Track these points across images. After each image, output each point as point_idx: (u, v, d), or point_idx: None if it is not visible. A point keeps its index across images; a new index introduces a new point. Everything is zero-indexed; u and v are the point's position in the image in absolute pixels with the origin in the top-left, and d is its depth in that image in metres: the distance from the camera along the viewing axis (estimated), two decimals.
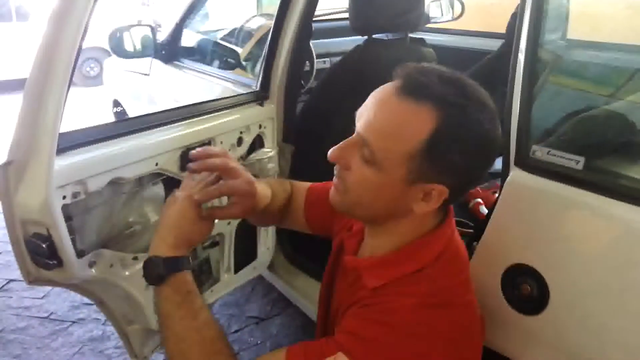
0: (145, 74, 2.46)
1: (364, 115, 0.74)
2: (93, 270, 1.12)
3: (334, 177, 0.81)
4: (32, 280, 1.07)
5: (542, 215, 0.92)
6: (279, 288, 1.99)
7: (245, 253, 1.74)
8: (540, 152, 0.93)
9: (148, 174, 1.22)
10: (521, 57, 0.98)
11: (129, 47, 2.19)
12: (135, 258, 1.23)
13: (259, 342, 2.13)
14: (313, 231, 1.13)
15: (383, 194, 0.74)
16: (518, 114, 0.95)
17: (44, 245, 0.98)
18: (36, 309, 2.27)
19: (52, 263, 1.01)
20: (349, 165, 0.76)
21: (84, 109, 5.21)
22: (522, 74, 0.96)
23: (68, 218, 1.03)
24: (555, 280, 0.91)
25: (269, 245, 1.83)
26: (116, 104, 3.02)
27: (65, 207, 1.01)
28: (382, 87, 0.75)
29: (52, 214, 0.96)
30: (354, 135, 0.76)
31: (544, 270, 0.91)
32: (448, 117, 0.68)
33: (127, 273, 1.22)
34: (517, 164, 0.95)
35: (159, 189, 1.28)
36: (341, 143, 0.77)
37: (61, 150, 0.99)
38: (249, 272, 1.76)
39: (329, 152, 0.77)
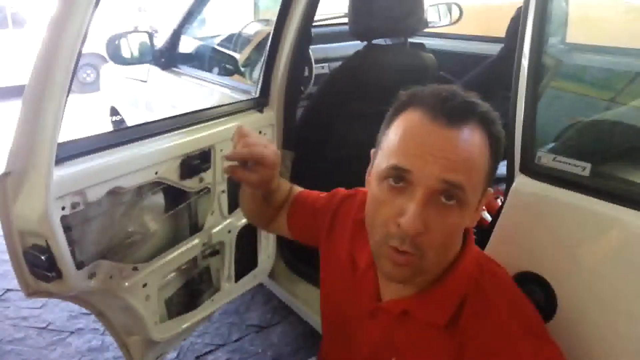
0: (143, 81, 2.45)
1: (430, 167, 0.64)
2: (92, 281, 1.10)
3: (401, 249, 0.67)
4: (32, 293, 1.06)
5: (548, 222, 0.91)
6: (279, 296, 1.98)
7: (245, 261, 1.72)
8: (545, 158, 0.92)
9: (147, 183, 1.20)
10: (524, 62, 0.97)
11: (126, 53, 2.18)
12: (135, 269, 1.22)
13: (259, 350, 2.10)
14: (294, 238, 1.11)
15: (462, 229, 0.72)
16: (522, 119, 0.94)
17: (42, 257, 0.97)
18: (34, 319, 2.25)
19: (51, 275, 0.99)
20: (428, 227, 0.66)
21: (81, 115, 5.21)
22: (526, 79, 0.95)
23: (67, 229, 1.02)
24: (563, 287, 0.90)
25: (269, 253, 1.82)
26: (113, 111, 3.00)
27: (64, 218, 1.00)
28: (420, 133, 0.66)
29: (51, 225, 0.94)
30: (419, 190, 0.65)
31: (551, 277, 0.90)
32: (488, 126, 0.68)
33: (127, 284, 1.21)
34: (522, 170, 0.94)
35: (158, 198, 1.27)
36: (414, 210, 0.64)
37: (60, 160, 0.97)
38: (249, 281, 1.75)
39: (404, 227, 0.64)
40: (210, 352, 2.09)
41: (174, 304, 1.49)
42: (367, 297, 0.85)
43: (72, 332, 2.17)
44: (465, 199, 0.66)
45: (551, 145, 0.97)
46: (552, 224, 0.90)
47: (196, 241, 1.43)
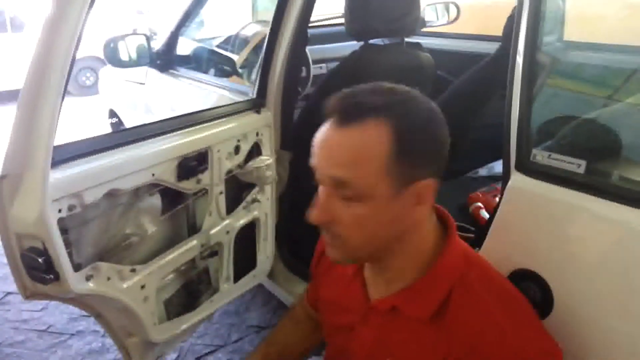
0: (141, 83, 2.45)
1: (321, 163, 0.73)
2: (90, 283, 1.10)
3: (325, 237, 0.78)
4: (29, 295, 1.06)
5: (544, 220, 0.91)
6: (279, 296, 1.98)
7: (244, 262, 1.72)
8: (540, 156, 0.92)
9: (145, 185, 1.20)
10: (519, 60, 0.97)
11: (124, 56, 2.18)
12: (133, 270, 1.22)
13: None
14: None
15: (381, 220, 0.73)
16: (518, 117, 0.94)
17: (39, 260, 0.97)
18: (34, 321, 2.25)
19: (49, 277, 0.99)
20: (335, 218, 0.73)
21: (80, 118, 5.22)
22: (520, 77, 0.95)
23: (64, 231, 1.02)
24: (559, 285, 0.90)
25: (268, 253, 1.82)
26: (112, 114, 3.01)
27: (61, 221, 1.00)
28: (321, 133, 0.74)
29: (47, 228, 0.94)
30: (321, 188, 0.75)
31: (547, 275, 0.90)
32: (395, 119, 0.69)
33: (125, 286, 1.21)
34: (517, 168, 0.94)
35: (156, 200, 1.27)
36: (315, 203, 0.75)
37: (56, 163, 0.97)
38: (248, 281, 1.75)
39: (310, 217, 0.75)
40: (210, 353, 2.10)
41: (172, 305, 1.49)
42: (357, 302, 0.88)
43: (72, 335, 2.17)
44: (358, 192, 0.70)
45: (546, 143, 0.97)
46: (548, 222, 0.91)
47: (194, 242, 1.43)
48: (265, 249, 1.80)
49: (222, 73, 2.20)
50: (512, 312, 0.75)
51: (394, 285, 0.82)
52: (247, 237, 1.68)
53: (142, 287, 1.27)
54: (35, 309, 2.33)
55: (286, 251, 1.90)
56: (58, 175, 0.97)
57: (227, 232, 1.55)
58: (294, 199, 1.83)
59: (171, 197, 1.34)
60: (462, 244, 0.83)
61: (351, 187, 0.70)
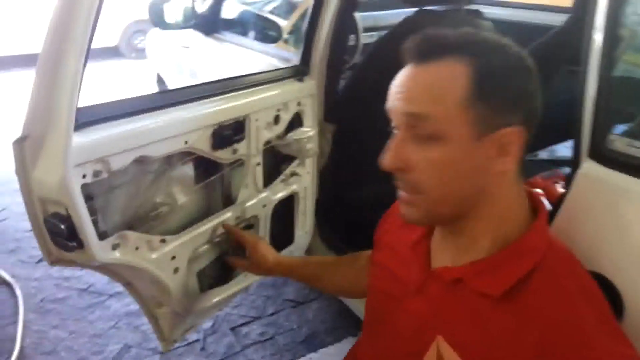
0: (186, 47, 2.40)
1: (396, 103, 0.69)
2: (117, 253, 1.06)
3: (401, 192, 0.73)
4: (54, 261, 1.03)
5: (617, 216, 0.79)
6: None
7: (281, 237, 1.66)
8: (619, 142, 0.79)
9: (176, 152, 1.14)
10: (597, 34, 0.83)
11: (169, 18, 2.13)
12: (163, 240, 1.17)
13: (294, 326, 2.07)
14: None
15: (460, 168, 0.67)
16: (594, 99, 0.80)
17: (62, 226, 0.93)
18: (76, 280, 2.29)
19: (72, 245, 0.95)
20: (411, 164, 0.68)
21: (132, 82, 5.29)
22: (599, 54, 0.82)
23: (89, 198, 0.97)
24: (631, 290, 0.78)
25: (306, 229, 1.75)
26: (159, 79, 2.99)
27: (85, 187, 0.95)
28: (397, 76, 0.71)
29: (70, 194, 0.90)
30: (394, 134, 0.71)
31: (618, 279, 0.78)
32: (476, 59, 0.65)
33: (153, 256, 1.16)
34: (591, 155, 0.81)
35: (188, 169, 1.21)
36: (388, 146, 0.71)
37: (81, 125, 0.92)
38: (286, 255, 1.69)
39: (382, 163, 0.71)
40: (245, 324, 2.08)
41: (206, 277, 1.45)
42: (417, 269, 0.80)
43: (111, 296, 2.20)
44: (437, 130, 0.66)
45: (626, 128, 0.83)
46: (622, 218, 0.78)
47: (229, 214, 1.37)
48: (304, 225, 1.73)
49: (268, 38, 2.11)
50: (596, 309, 0.65)
51: (464, 256, 0.73)
52: (284, 211, 1.61)
53: (173, 258, 1.22)
54: (77, 268, 2.37)
55: (326, 228, 1.83)
56: (82, 139, 0.92)
57: (264, 206, 1.49)
58: (335, 174, 1.74)
59: (205, 167, 1.27)
60: (548, 229, 0.74)
61: (427, 123, 0.66)
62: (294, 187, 1.59)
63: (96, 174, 0.97)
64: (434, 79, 0.66)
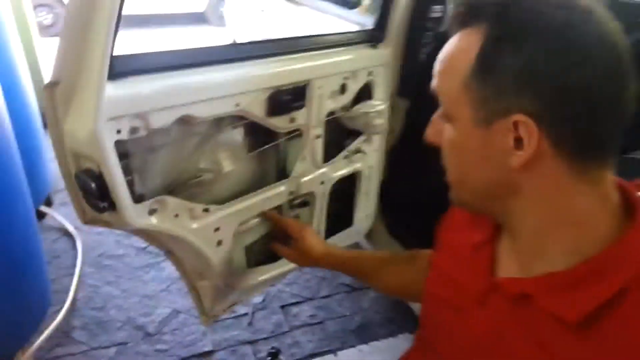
0: (262, 10, 2.30)
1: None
2: (153, 218, 0.98)
3: None
4: (88, 221, 0.97)
5: None
6: None
7: (339, 218, 1.54)
8: None
9: (226, 115, 1.04)
10: None
11: None
12: (206, 210, 1.08)
13: (347, 313, 1.96)
14: None
15: (468, 153, 0.60)
16: None
17: (93, 185, 0.85)
18: (135, 238, 2.28)
19: (103, 205, 0.88)
20: (440, 140, 0.64)
21: None
22: None
23: (124, 156, 0.89)
24: None
25: (368, 211, 1.61)
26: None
27: (120, 144, 0.86)
28: None
29: (101, 148, 0.81)
30: None
31: None
32: (496, 22, 0.54)
33: (194, 226, 1.07)
34: None
35: (238, 135, 1.11)
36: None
37: (117, 75, 0.83)
38: (341, 240, 1.56)
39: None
40: (296, 303, 2.00)
41: (254, 253, 1.36)
42: (480, 275, 0.68)
43: (166, 259, 2.18)
44: (447, 108, 0.61)
45: None
46: None
47: (282, 189, 1.26)
48: (366, 207, 1.60)
49: (347, 3, 1.96)
50: None
51: (533, 266, 0.60)
52: (345, 191, 1.49)
53: (216, 229, 1.13)
54: None
55: (390, 213, 1.68)
56: (118, 90, 0.83)
57: (322, 183, 1.36)
58: (405, 155, 1.58)
59: (257, 135, 1.16)
60: None
61: (442, 100, 0.61)
62: (357, 165, 1.45)
63: (133, 130, 0.88)
64: (449, 51, 0.60)
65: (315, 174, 1.32)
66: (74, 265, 2.05)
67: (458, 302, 0.71)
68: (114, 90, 0.81)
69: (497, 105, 0.54)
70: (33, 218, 1.63)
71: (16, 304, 1.48)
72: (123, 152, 0.89)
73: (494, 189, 0.60)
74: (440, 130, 0.63)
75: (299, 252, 1.12)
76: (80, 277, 2.01)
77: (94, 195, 0.87)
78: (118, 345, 1.75)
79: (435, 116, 0.65)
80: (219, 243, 1.16)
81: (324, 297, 2.03)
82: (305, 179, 1.30)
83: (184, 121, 0.96)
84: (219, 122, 1.06)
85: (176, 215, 1.02)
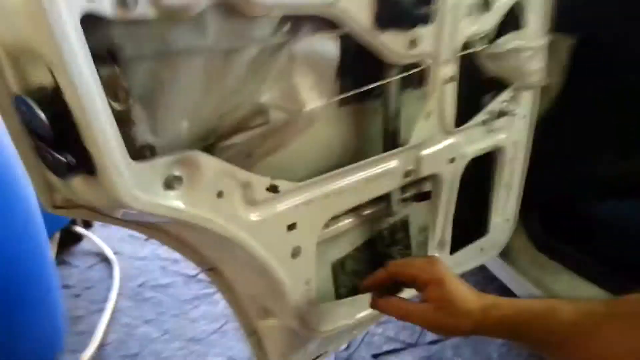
0: None
1: None
2: (174, 197, 0.51)
3: None
4: (57, 204, 0.53)
5: None
6: (512, 289, 1.25)
7: (469, 221, 1.03)
8: None
9: (308, 12, 0.57)
10: None
11: None
12: (273, 188, 0.61)
13: None
14: None
15: None
16: None
17: (43, 116, 0.41)
18: (185, 263, 1.93)
19: (66, 161, 0.43)
20: None
21: None
22: None
23: (110, 59, 0.44)
24: None
25: (508, 215, 1.10)
26: None
27: (100, 30, 0.42)
28: None
29: (53, 30, 0.37)
30: None
31: None
32: None
33: (254, 217, 0.61)
34: None
35: (329, 51, 0.63)
36: None
37: None
38: (472, 255, 1.08)
39: None
40: (393, 351, 1.50)
41: (346, 274, 0.88)
42: None
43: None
44: None
45: None
46: None
47: (394, 164, 0.77)
48: (505, 209, 1.09)
49: None
50: None
51: None
52: (478, 177, 0.98)
53: (291, 226, 0.67)
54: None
55: (536, 219, 1.18)
56: None
57: (452, 160, 0.87)
58: (565, 128, 1.06)
59: (357, 63, 0.68)
60: None
61: None
62: (500, 138, 0.95)
63: (122, 1, 0.42)
64: None
65: (442, 144, 0.84)
66: (108, 299, 1.68)
67: None
68: None
69: None
70: (43, 245, 1.19)
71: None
72: (109, 49, 0.44)
73: None
74: None
75: (435, 308, 0.61)
76: (113, 313, 1.66)
77: (47, 138, 0.42)
78: None
79: None
80: (296, 253, 0.69)
81: (431, 343, 1.51)
82: (428, 151, 0.82)
83: (230, 13, 0.50)
84: (297, 24, 0.58)
85: (219, 194, 0.55)
